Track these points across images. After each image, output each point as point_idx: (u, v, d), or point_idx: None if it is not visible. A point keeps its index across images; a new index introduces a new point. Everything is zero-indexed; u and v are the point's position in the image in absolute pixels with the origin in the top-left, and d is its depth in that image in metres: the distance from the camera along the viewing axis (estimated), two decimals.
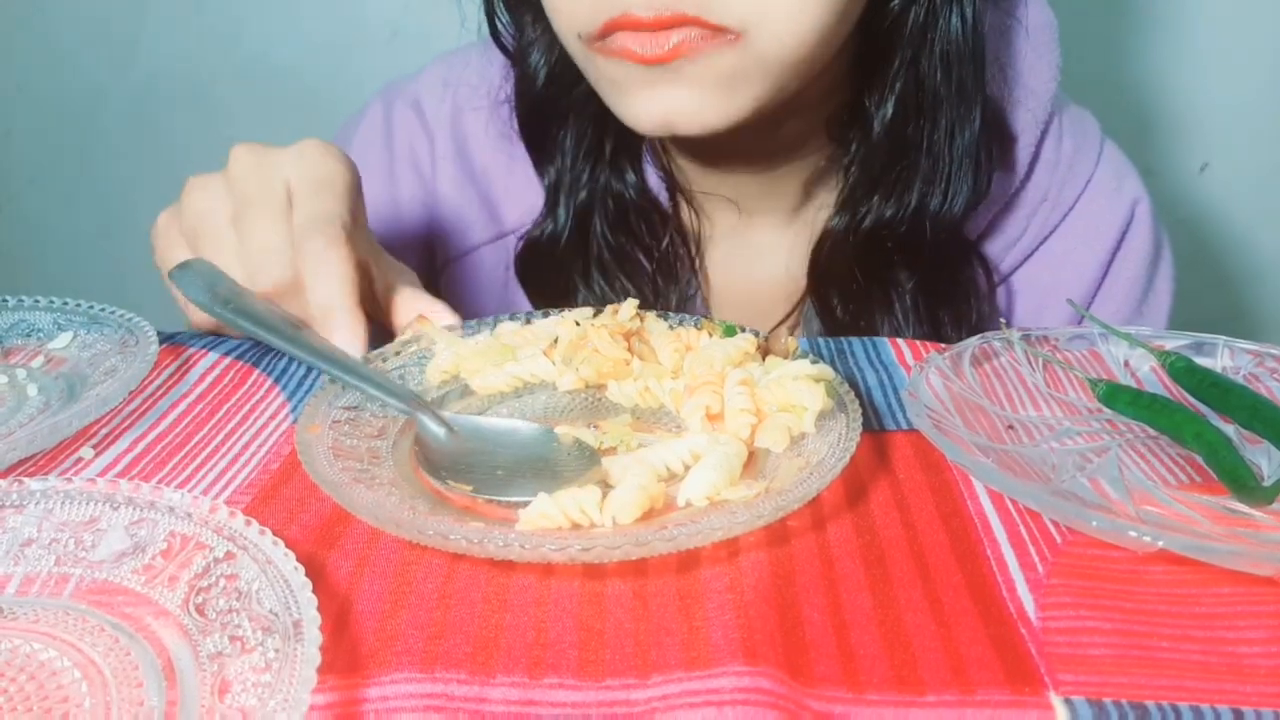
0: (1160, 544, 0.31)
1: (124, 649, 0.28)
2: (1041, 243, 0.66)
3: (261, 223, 0.44)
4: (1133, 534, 0.31)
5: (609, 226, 0.64)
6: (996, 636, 0.29)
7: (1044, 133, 0.64)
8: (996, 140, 0.61)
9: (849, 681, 0.27)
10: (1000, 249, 0.66)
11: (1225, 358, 0.46)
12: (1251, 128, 1.04)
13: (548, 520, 0.32)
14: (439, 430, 0.38)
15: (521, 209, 0.67)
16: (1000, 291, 0.67)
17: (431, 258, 0.70)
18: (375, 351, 0.43)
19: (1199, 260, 1.08)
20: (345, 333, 0.43)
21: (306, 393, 0.44)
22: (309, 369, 0.46)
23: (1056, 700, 0.27)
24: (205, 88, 1.13)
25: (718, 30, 0.47)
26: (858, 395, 0.39)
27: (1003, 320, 0.49)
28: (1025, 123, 0.63)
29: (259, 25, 1.10)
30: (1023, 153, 0.64)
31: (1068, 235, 0.66)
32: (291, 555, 0.29)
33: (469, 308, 0.69)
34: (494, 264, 0.68)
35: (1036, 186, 0.65)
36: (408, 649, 0.28)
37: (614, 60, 0.50)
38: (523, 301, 0.67)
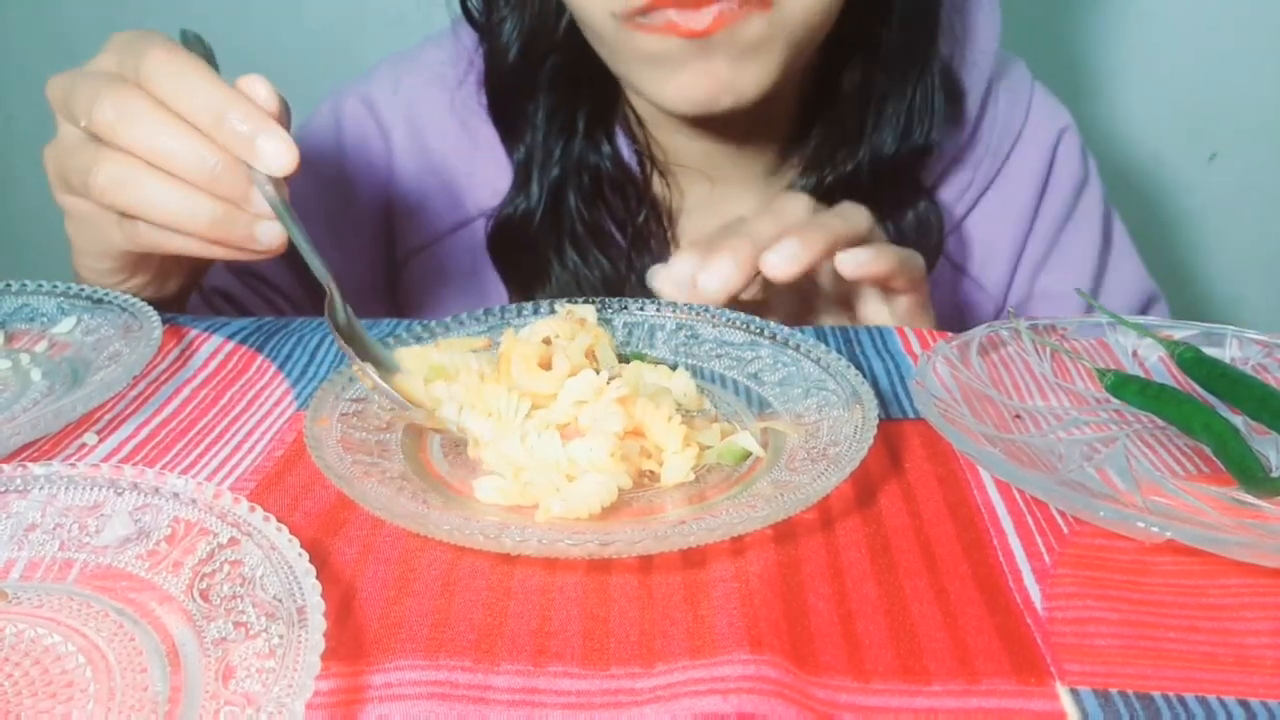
0: (1168, 535, 0.31)
1: (128, 634, 0.28)
2: (984, 193, 0.70)
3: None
4: (1140, 524, 0.31)
5: (583, 200, 0.64)
6: (1002, 626, 0.29)
7: (988, 90, 0.67)
8: (948, 93, 0.65)
9: (854, 670, 0.27)
10: (951, 200, 0.69)
11: (1234, 348, 0.45)
12: (1261, 116, 1.03)
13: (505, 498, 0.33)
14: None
15: (486, 193, 0.67)
16: (953, 240, 0.70)
17: (391, 252, 0.70)
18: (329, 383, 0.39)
19: (1208, 249, 1.08)
20: (273, 141, 0.42)
21: (310, 379, 0.44)
22: (312, 355, 0.46)
23: (1062, 690, 0.26)
24: None
25: None
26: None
27: (1010, 310, 0.48)
28: (973, 80, 0.66)
29: (262, 8, 1.09)
30: (971, 108, 0.67)
31: (1004, 184, 0.70)
32: (295, 541, 0.29)
33: (437, 299, 0.69)
34: (460, 252, 0.68)
35: (980, 140, 0.68)
36: (412, 636, 0.28)
37: (655, 36, 0.51)
38: (492, 289, 0.67)
